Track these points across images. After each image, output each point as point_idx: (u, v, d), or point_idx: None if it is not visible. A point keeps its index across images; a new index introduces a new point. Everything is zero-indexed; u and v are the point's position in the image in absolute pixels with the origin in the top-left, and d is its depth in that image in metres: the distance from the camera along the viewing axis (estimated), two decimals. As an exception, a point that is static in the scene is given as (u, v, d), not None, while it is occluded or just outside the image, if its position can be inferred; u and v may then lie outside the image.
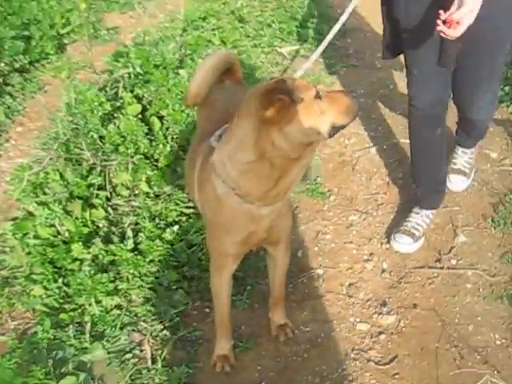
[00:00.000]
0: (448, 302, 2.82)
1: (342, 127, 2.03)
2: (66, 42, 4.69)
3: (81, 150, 3.19)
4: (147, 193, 3.14)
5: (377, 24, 4.95)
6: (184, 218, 3.07)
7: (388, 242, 3.11)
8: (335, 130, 1.99)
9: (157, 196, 3.16)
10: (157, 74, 3.70)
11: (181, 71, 4.02)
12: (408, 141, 3.15)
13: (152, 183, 3.17)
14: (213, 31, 4.65)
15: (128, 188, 3.13)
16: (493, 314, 2.75)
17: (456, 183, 3.40)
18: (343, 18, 2.51)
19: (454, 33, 2.10)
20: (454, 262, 3.01)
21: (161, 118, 3.56)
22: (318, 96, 1.92)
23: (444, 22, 2.09)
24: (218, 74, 2.49)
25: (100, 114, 3.38)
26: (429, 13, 2.33)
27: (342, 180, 3.53)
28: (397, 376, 2.51)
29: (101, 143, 3.28)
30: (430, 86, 2.76)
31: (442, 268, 2.97)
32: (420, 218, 3.11)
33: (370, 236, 3.17)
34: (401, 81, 4.18)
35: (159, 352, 2.52)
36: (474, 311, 2.77)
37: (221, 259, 2.31)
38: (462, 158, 3.43)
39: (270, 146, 1.88)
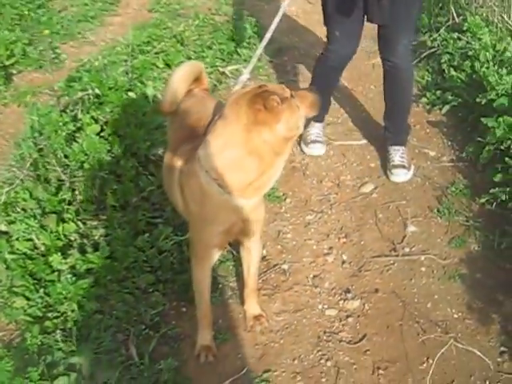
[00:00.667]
0: (406, 284, 3.08)
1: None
2: (13, 71, 4.81)
3: (47, 169, 3.33)
4: (114, 206, 3.28)
5: (309, 42, 5.33)
6: (152, 227, 3.23)
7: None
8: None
9: (123, 208, 3.31)
10: (112, 95, 3.86)
11: (130, 93, 4.21)
12: (351, 142, 3.78)
13: (118, 196, 3.31)
14: (157, 55, 4.86)
15: (95, 202, 3.27)
16: (448, 291, 3.03)
17: (399, 175, 3.77)
18: (272, 27, 2.91)
19: None
20: (407, 249, 3.28)
21: (118, 136, 3.72)
22: (291, 95, 2.17)
23: None
24: (189, 83, 2.71)
25: (64, 134, 3.53)
26: None
27: (294, 184, 3.77)
28: (368, 352, 2.74)
29: (67, 161, 3.42)
30: (350, 42, 3.50)
31: (397, 255, 3.24)
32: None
33: (327, 232, 3.42)
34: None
35: (144, 349, 2.66)
36: (430, 291, 3.04)
37: (204, 251, 2.51)
38: (396, 154, 3.82)
39: (261, 143, 2.12)
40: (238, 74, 4.87)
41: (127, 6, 6.67)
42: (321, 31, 4.46)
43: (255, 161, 2.15)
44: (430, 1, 5.73)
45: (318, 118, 3.88)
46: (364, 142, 4.15)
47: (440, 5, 5.52)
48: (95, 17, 6.27)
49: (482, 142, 3.74)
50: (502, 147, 3.59)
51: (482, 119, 3.71)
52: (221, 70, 4.95)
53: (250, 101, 2.10)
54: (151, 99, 4.21)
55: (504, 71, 3.89)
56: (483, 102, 3.88)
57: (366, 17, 3.41)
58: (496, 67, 4.09)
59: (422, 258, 3.22)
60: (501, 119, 3.59)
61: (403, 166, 3.76)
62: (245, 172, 2.19)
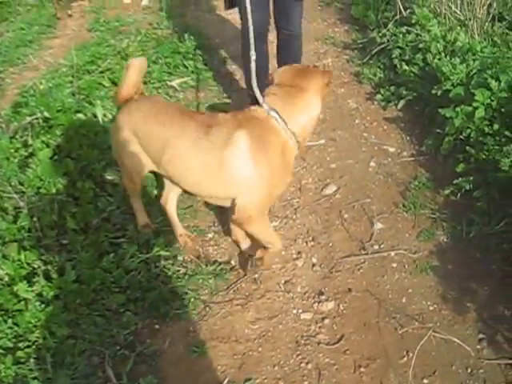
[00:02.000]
0: (379, 281, 3.21)
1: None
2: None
3: (1, 197, 3.38)
4: (75, 229, 3.34)
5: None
6: (116, 247, 3.30)
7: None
8: None
9: (85, 231, 3.38)
10: (61, 118, 3.93)
11: (79, 115, 4.29)
12: (309, 143, 4.01)
13: (78, 219, 3.38)
14: (102, 74, 4.94)
15: (56, 227, 3.33)
16: (421, 285, 3.17)
17: None
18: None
19: None
20: (376, 247, 3.42)
21: (72, 158, 3.78)
22: None
23: None
24: (141, 76, 3.21)
25: (16, 160, 3.59)
26: None
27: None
28: (348, 352, 2.86)
29: (22, 188, 3.47)
30: (262, 13, 3.96)
31: (366, 254, 3.37)
32: None
33: (294, 237, 3.53)
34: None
35: (122, 370, 2.74)
36: (403, 286, 3.18)
37: (269, 205, 3.12)
38: None
39: (323, 102, 2.98)
40: (187, 86, 5.00)
41: (65, 28, 6.75)
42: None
43: (317, 120, 3.01)
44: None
45: None
46: (322, 142, 4.30)
47: (386, 1, 5.74)
48: (33, 40, 6.34)
49: (441, 133, 3.92)
50: (462, 137, 3.77)
51: (440, 110, 3.88)
52: (169, 83, 5.05)
53: (323, 76, 2.99)
54: (101, 119, 4.29)
55: (457, 60, 4.07)
56: (439, 94, 4.06)
57: None
58: (448, 57, 4.28)
59: (392, 253, 3.36)
60: (458, 109, 3.77)
61: None
62: (312, 128, 3.02)
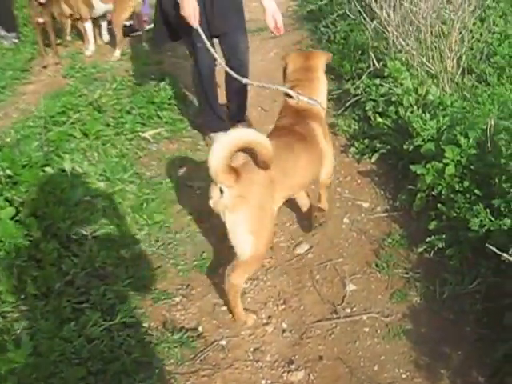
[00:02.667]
0: (350, 348, 3.06)
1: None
2: None
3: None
4: (35, 294, 3.18)
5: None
6: (78, 314, 3.14)
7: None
8: None
9: (46, 296, 3.21)
10: (26, 174, 3.79)
11: (47, 169, 4.15)
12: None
13: (39, 284, 3.22)
14: (73, 125, 4.81)
15: (15, 292, 3.17)
16: (393, 351, 3.03)
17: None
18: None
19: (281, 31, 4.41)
20: (348, 310, 3.28)
21: (36, 217, 3.63)
22: None
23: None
24: None
25: (-27, 221, 3.43)
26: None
27: (226, 252, 3.73)
28: (317, 426, 2.71)
29: (-21, 251, 3.32)
30: (208, 51, 4.15)
31: (338, 318, 3.23)
32: None
33: (264, 300, 3.39)
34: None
35: None
36: (376, 352, 3.03)
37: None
38: (243, 127, 4.59)
39: None
40: (160, 137, 4.89)
41: (40, 73, 6.66)
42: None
43: None
44: (351, 47, 5.91)
45: (219, 128, 4.72)
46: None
47: (360, 51, 5.69)
48: (6, 86, 6.22)
49: (414, 189, 3.82)
50: (434, 193, 3.67)
51: (411, 167, 3.79)
52: (142, 135, 4.93)
53: (327, 55, 3.89)
54: (69, 173, 4.15)
55: (427, 116, 3.99)
56: (410, 149, 3.96)
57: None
58: (420, 111, 4.20)
59: (364, 317, 3.22)
60: (429, 165, 3.68)
61: None
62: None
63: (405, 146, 4.01)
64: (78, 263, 3.45)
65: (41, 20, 6.65)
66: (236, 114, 4.97)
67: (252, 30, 7.52)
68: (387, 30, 5.08)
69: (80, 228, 3.67)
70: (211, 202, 2.99)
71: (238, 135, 2.79)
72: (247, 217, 2.94)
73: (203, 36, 4.07)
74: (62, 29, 7.23)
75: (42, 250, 3.39)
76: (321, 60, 3.75)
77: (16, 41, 7.34)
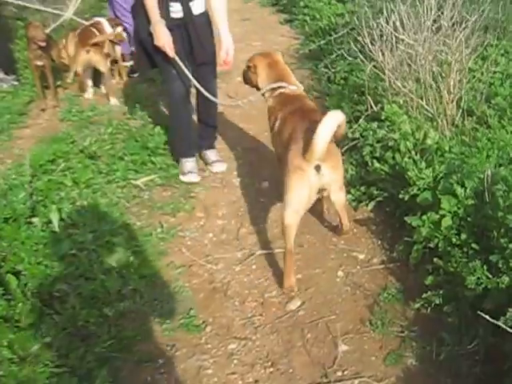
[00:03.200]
0: (340, 415, 2.89)
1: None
2: None
3: None
4: (11, 358, 3.03)
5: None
6: (55, 379, 2.98)
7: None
8: None
9: (22, 359, 3.06)
10: (7, 228, 3.66)
11: (34, 219, 4.03)
12: (270, 251, 3.92)
13: (15, 347, 3.07)
14: (63, 172, 4.70)
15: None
16: (386, 419, 2.85)
17: (220, 166, 5.15)
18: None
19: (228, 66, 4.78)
20: (339, 373, 3.10)
21: (17, 273, 3.51)
22: None
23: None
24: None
25: None
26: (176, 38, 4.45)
27: (215, 308, 3.58)
28: None
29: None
30: (185, 79, 4.51)
31: (328, 382, 3.05)
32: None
33: (252, 362, 3.21)
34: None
35: None
36: (366, 421, 2.85)
37: None
38: (212, 153, 5.21)
39: None
40: (153, 184, 4.76)
41: (38, 117, 6.57)
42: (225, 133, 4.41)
43: None
44: (350, 88, 5.79)
45: (190, 154, 5.01)
46: (288, 249, 4.02)
47: (359, 93, 5.57)
48: (2, 131, 6.13)
49: (411, 240, 3.65)
50: (431, 245, 3.50)
51: (406, 218, 3.64)
52: (134, 182, 4.81)
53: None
54: (56, 225, 4.03)
55: (423, 164, 3.84)
56: (406, 198, 3.81)
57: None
58: (418, 156, 4.07)
59: (356, 382, 3.04)
60: (425, 217, 3.53)
61: (221, 160, 5.19)
62: None
63: (400, 195, 3.86)
64: (58, 322, 3.30)
65: (39, 63, 6.56)
66: (207, 141, 5.24)
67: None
68: (384, 73, 4.95)
69: (63, 285, 3.53)
70: (307, 185, 3.45)
71: (337, 116, 3.37)
72: (340, 179, 3.65)
73: (180, 63, 4.43)
74: (61, 71, 7.15)
75: (20, 311, 3.24)
76: (280, 56, 4.40)
77: (15, 83, 7.26)
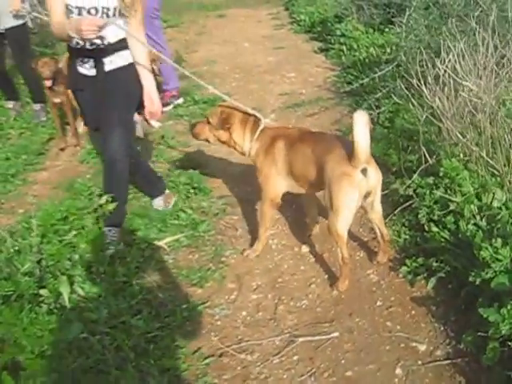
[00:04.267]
0: None
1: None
2: None
3: None
4: None
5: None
6: None
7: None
8: None
9: None
10: (6, 312, 3.10)
11: (42, 291, 3.49)
12: (314, 338, 3.35)
13: None
14: (77, 232, 4.11)
15: None
16: None
17: (158, 203, 4.71)
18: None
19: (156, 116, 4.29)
20: None
21: (15, 367, 2.95)
22: None
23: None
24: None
25: None
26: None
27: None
28: None
29: None
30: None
31: None
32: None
33: None
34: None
35: None
36: None
37: None
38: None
39: None
40: (179, 245, 4.19)
41: (56, 157, 6.08)
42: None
43: None
44: (397, 132, 5.20)
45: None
46: (335, 335, 3.42)
47: (406, 137, 4.97)
48: (17, 174, 5.64)
49: (482, 333, 3.02)
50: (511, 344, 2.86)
51: (480, 310, 3.01)
52: (157, 243, 4.22)
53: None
54: (67, 299, 3.47)
55: (499, 242, 3.20)
56: (478, 282, 3.18)
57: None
58: (483, 222, 3.48)
59: None
60: (505, 310, 2.89)
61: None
62: None
63: (471, 279, 3.23)
64: None
65: (57, 100, 6.07)
66: (153, 192, 4.76)
67: (287, 105, 6.91)
68: (440, 120, 4.32)
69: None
70: (357, 190, 3.42)
71: (366, 115, 3.29)
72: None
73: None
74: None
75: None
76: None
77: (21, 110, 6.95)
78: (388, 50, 7.36)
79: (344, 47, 8.63)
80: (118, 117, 4.03)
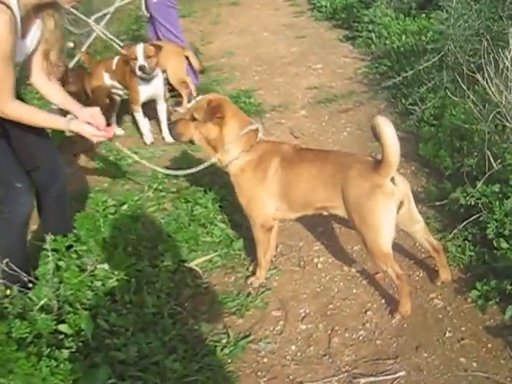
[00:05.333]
0: None
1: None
2: None
3: None
4: None
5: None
6: None
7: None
8: None
9: None
10: (22, 360, 2.71)
11: (61, 327, 3.13)
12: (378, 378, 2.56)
13: None
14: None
15: None
16: None
17: None
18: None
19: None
20: None
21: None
22: None
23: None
24: None
25: None
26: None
27: None
28: None
29: None
30: (31, 194, 3.50)
31: None
32: None
33: None
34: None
35: None
36: None
37: None
38: None
39: None
40: (212, 266, 3.80)
41: (70, 164, 5.64)
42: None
43: None
44: (447, 130, 4.78)
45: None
46: (402, 374, 3.01)
47: (457, 136, 4.56)
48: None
49: None
50: None
51: None
52: (187, 265, 3.83)
53: None
54: (90, 336, 3.09)
55: None
56: None
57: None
58: None
59: None
60: None
61: None
62: None
63: None
64: None
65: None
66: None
67: (318, 100, 6.48)
68: (507, 120, 3.89)
69: None
70: (392, 200, 3.16)
71: (389, 120, 3.08)
72: None
73: None
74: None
75: None
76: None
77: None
78: (425, 38, 6.91)
79: (373, 35, 8.18)
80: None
